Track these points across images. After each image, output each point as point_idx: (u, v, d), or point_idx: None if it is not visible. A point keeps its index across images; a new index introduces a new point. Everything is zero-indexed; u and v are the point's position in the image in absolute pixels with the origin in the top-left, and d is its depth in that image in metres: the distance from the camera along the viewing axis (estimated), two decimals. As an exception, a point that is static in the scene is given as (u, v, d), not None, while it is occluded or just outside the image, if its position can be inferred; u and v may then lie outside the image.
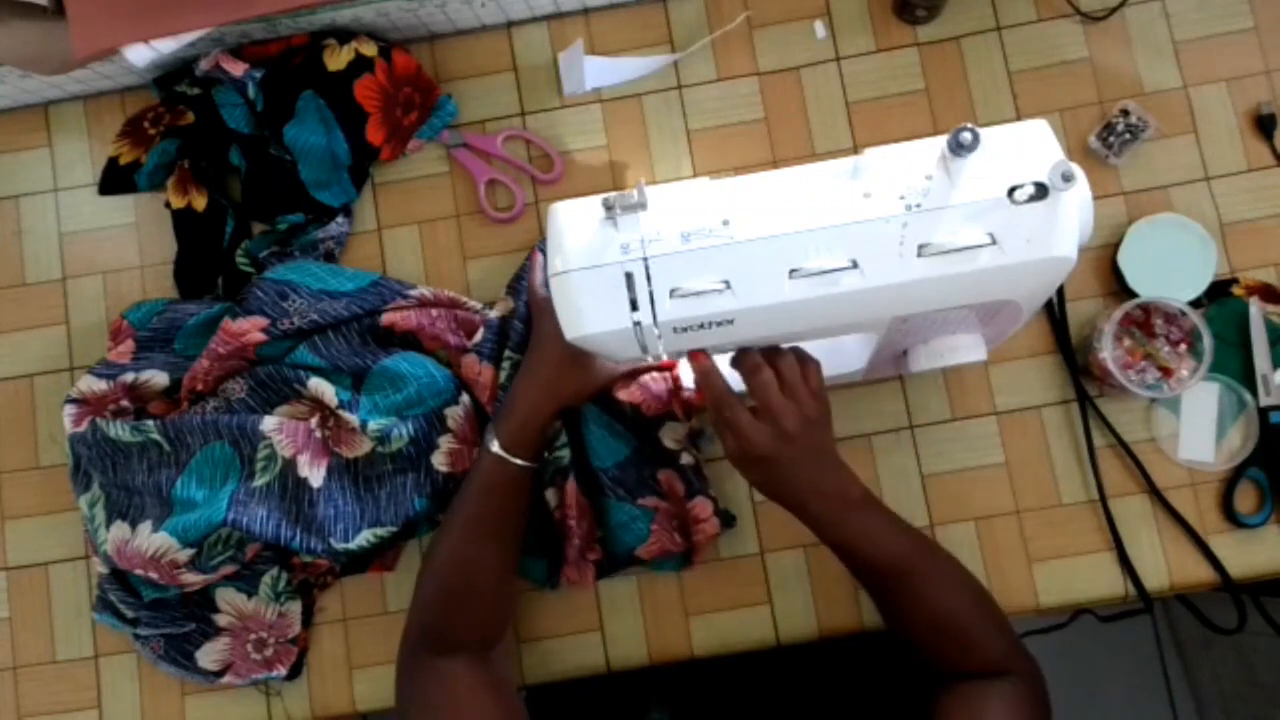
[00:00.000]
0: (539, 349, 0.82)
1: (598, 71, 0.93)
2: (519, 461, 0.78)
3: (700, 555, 0.87)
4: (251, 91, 0.89)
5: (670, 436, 0.85)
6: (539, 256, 0.88)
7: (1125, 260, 0.87)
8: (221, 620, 0.88)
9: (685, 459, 0.85)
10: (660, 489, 0.86)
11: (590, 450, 0.85)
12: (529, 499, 0.82)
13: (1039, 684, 0.73)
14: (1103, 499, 0.86)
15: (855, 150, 0.92)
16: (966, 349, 0.74)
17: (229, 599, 0.89)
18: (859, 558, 0.74)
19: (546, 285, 0.82)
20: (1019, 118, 0.92)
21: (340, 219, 0.92)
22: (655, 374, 0.85)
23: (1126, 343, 0.85)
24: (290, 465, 0.84)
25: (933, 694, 0.72)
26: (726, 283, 0.64)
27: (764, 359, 0.71)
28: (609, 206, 0.64)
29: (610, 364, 0.83)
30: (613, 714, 0.90)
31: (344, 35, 0.90)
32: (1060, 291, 0.89)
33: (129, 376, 0.88)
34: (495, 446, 0.79)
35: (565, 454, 0.84)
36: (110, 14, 0.83)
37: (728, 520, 0.86)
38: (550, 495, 0.85)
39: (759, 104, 0.94)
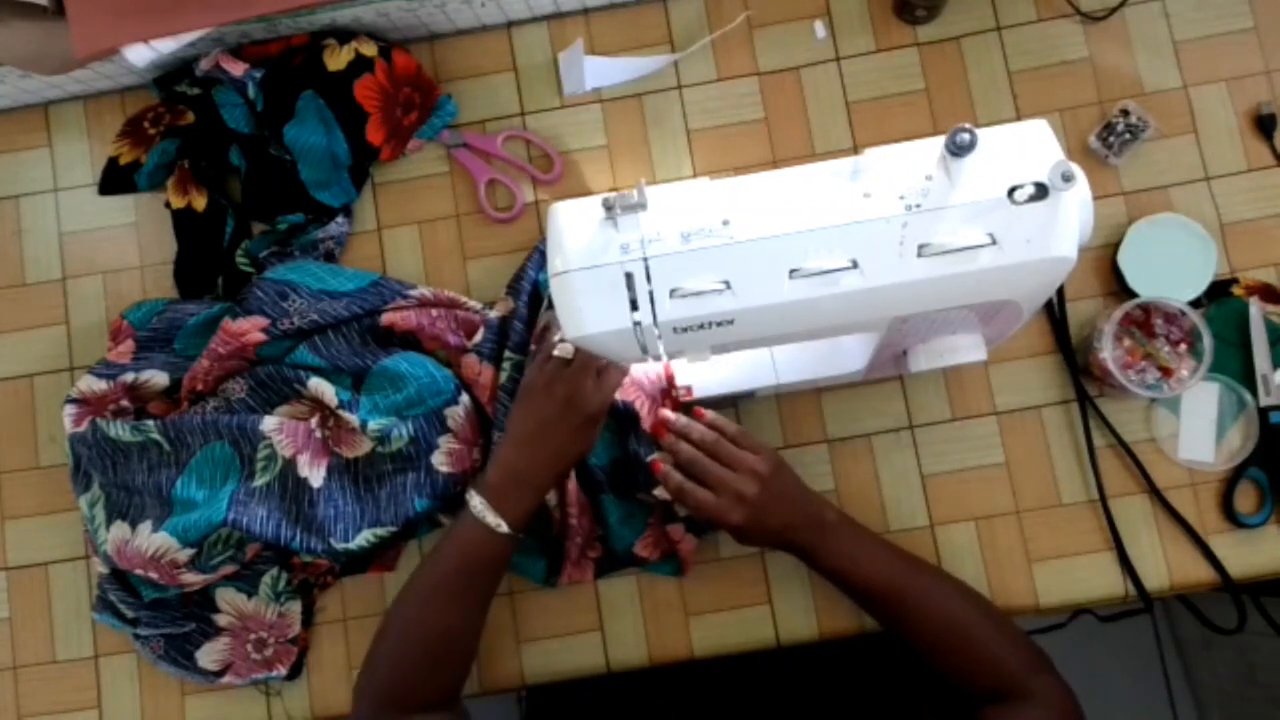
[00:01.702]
0: (547, 416, 0.77)
1: (598, 71, 0.93)
2: (509, 531, 0.76)
3: (690, 565, 0.87)
4: (251, 91, 0.89)
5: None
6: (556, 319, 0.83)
7: (1125, 260, 0.87)
8: (221, 620, 0.88)
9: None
10: (655, 480, 0.85)
11: None
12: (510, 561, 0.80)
13: (1072, 710, 0.72)
14: (1103, 499, 0.86)
15: (855, 150, 0.92)
16: (966, 349, 0.74)
17: (229, 599, 0.89)
18: (849, 578, 0.78)
19: (557, 344, 0.79)
20: (1019, 118, 0.92)
21: (340, 219, 0.92)
22: (649, 371, 0.85)
23: (1126, 343, 0.85)
24: (290, 465, 0.84)
25: None
26: (726, 283, 0.64)
27: (687, 457, 0.77)
28: (609, 207, 0.64)
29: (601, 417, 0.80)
30: (613, 714, 0.90)
31: (344, 35, 0.90)
32: (1060, 291, 0.89)
33: (129, 376, 0.88)
34: (491, 517, 0.75)
35: None
36: (110, 14, 0.83)
37: (698, 529, 0.86)
38: (550, 495, 0.84)
39: (759, 104, 0.94)
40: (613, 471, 0.85)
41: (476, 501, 0.76)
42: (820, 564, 0.78)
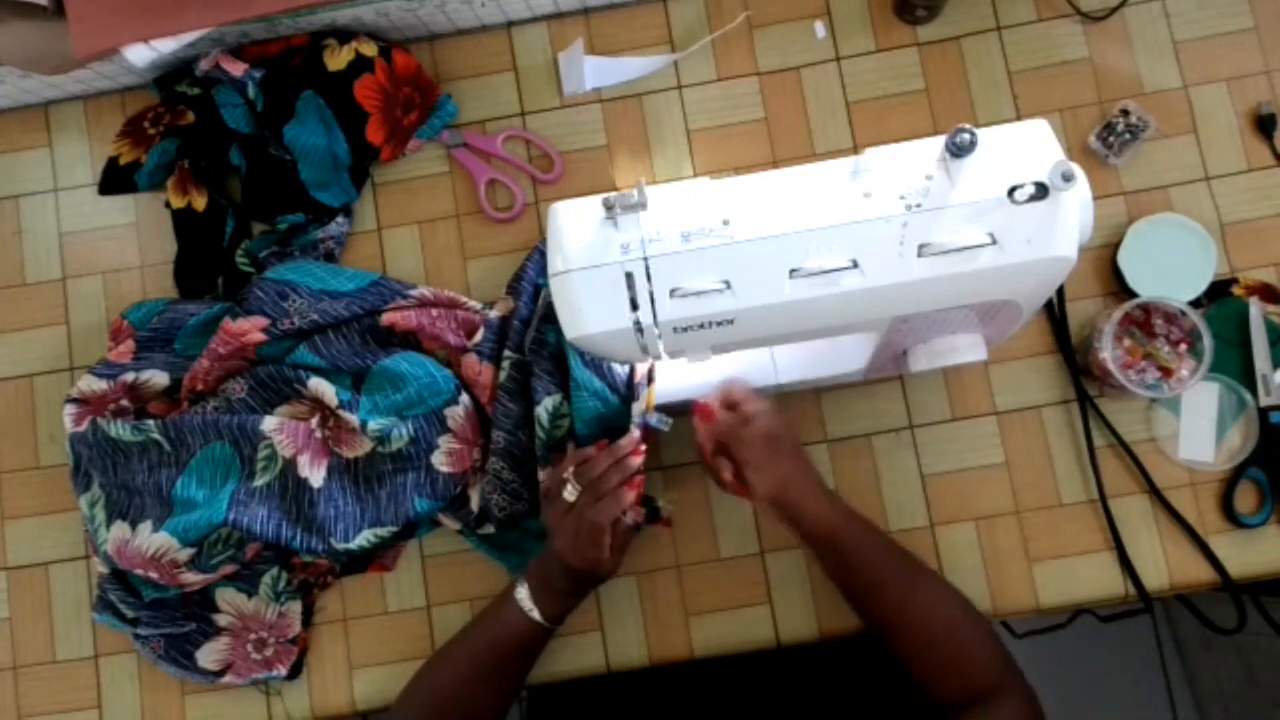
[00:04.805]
0: (558, 558, 0.79)
1: (598, 71, 0.94)
2: (543, 622, 0.79)
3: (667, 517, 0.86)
4: (251, 91, 0.89)
5: (636, 409, 0.84)
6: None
7: (1125, 260, 0.87)
8: (221, 620, 0.88)
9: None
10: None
11: (575, 411, 0.84)
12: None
13: (1036, 710, 0.72)
14: (1103, 499, 0.86)
15: (855, 150, 0.92)
16: (966, 349, 0.74)
17: (229, 599, 0.89)
18: (839, 558, 0.77)
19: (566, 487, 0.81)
20: (1019, 118, 0.92)
21: (340, 219, 0.92)
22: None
23: (1126, 343, 0.85)
24: (290, 465, 0.84)
25: None
26: (726, 283, 0.64)
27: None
28: (609, 206, 0.64)
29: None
30: (613, 714, 0.90)
31: (344, 35, 0.90)
32: (1060, 291, 0.89)
33: (129, 376, 0.88)
34: (536, 614, 0.79)
35: (564, 424, 0.84)
36: (110, 14, 0.83)
37: (653, 514, 0.85)
38: (544, 476, 0.84)
39: (759, 104, 0.94)
40: (600, 436, 0.84)
41: (523, 591, 0.79)
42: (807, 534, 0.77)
